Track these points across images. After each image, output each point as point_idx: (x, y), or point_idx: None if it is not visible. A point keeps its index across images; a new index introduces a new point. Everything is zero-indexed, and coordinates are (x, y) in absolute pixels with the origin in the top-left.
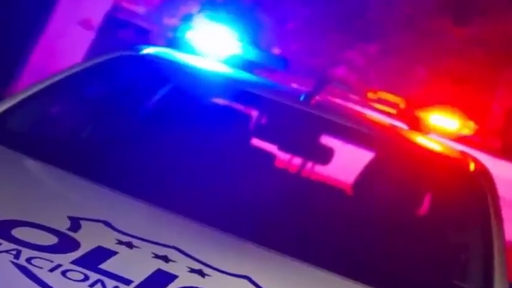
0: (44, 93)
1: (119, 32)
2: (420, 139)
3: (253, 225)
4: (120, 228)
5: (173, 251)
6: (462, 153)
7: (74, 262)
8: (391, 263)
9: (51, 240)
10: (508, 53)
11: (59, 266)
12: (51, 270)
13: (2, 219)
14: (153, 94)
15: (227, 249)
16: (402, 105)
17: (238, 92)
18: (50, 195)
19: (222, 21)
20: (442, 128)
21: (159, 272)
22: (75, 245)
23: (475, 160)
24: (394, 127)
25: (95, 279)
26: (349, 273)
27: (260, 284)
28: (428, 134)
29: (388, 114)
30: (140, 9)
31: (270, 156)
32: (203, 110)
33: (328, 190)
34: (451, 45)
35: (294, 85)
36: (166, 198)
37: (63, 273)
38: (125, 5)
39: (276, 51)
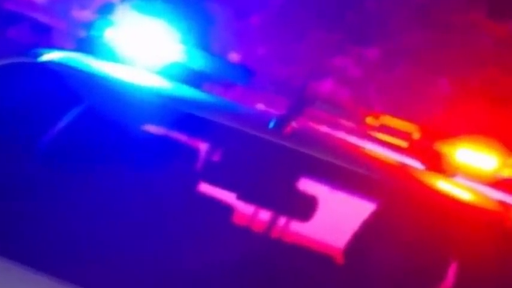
0: None
1: (7, 29)
2: (442, 184)
3: None
4: None
5: None
6: (502, 204)
7: None
8: None
9: None
10: None
11: None
12: None
13: None
14: (57, 119)
15: None
16: (416, 135)
17: (180, 115)
18: None
19: (156, 15)
20: (474, 167)
21: None
22: None
23: None
24: (404, 167)
25: None
26: None
27: None
28: (454, 176)
29: (396, 148)
30: None
31: (225, 209)
32: (129, 143)
33: (310, 257)
34: (484, 48)
35: (261, 106)
36: (76, 275)
37: None
38: None
39: (234, 57)
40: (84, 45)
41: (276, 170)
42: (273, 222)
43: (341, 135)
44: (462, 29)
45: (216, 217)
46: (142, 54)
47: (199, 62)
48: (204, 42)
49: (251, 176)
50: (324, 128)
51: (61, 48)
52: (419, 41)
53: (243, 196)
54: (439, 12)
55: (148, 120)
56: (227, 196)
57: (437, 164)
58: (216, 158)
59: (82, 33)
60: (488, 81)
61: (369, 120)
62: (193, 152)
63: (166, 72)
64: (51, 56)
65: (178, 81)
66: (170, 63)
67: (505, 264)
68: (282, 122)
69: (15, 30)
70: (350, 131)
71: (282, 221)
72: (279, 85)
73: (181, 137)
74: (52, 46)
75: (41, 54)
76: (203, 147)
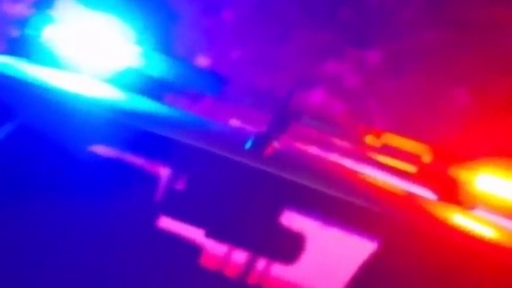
0: None
1: None
2: (458, 219)
3: None
4: None
5: None
6: None
7: None
8: None
9: None
10: None
11: None
12: None
13: None
14: None
15: None
16: (426, 157)
17: (136, 133)
18: None
19: (106, 10)
20: (498, 198)
21: None
22: None
23: None
24: (412, 197)
25: None
26: None
27: None
28: (473, 209)
29: (402, 173)
30: None
31: (192, 249)
32: (72, 167)
33: None
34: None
35: (235, 122)
36: None
37: None
38: None
39: (202, 61)
40: (17, 47)
41: (254, 200)
42: (250, 265)
43: (334, 157)
44: (482, 28)
45: (180, 259)
46: (89, 58)
47: (159, 67)
48: (165, 43)
49: (223, 208)
50: (313, 149)
51: None
52: (430, 43)
53: (214, 233)
54: (455, 7)
55: (97, 140)
56: (194, 233)
57: (453, 194)
58: (180, 186)
59: (14, 32)
60: None
61: (369, 139)
62: (152, 179)
63: (118, 80)
64: None
65: (133, 92)
66: (123, 70)
67: None
68: (261, 141)
69: None
70: (345, 153)
71: (261, 263)
72: (258, 96)
73: (137, 160)
74: None
75: None
76: (164, 172)
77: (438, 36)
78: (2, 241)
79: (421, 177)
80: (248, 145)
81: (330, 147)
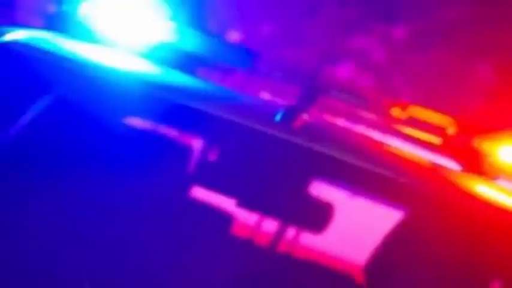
0: None
1: None
2: (482, 189)
3: None
4: None
5: None
6: None
7: None
8: None
9: None
10: None
11: None
12: None
13: None
14: (21, 111)
15: None
16: (451, 130)
17: (170, 106)
18: None
19: None
20: None
21: None
22: None
23: None
24: (437, 168)
25: None
26: None
27: None
28: (497, 179)
29: (428, 145)
30: None
31: (223, 218)
32: (108, 139)
33: (324, 276)
34: None
35: (265, 95)
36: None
37: None
38: None
39: (234, 36)
40: (54, 23)
41: (284, 171)
42: (280, 234)
43: (361, 129)
44: (508, 4)
45: (212, 228)
46: (124, 33)
47: (193, 42)
48: (198, 19)
49: (254, 178)
50: (341, 122)
51: (26, 26)
52: (458, 18)
53: (245, 203)
54: None
55: (132, 112)
56: (225, 203)
57: (477, 165)
58: (212, 157)
59: (51, 9)
60: None
61: (395, 112)
62: (186, 150)
63: (153, 55)
64: (14, 35)
65: (167, 66)
66: (158, 44)
67: None
68: (290, 114)
69: None
70: (372, 125)
71: (290, 232)
72: (288, 70)
73: (171, 132)
74: (15, 24)
75: (3, 34)
76: (197, 144)
77: (464, 12)
78: (43, 206)
79: (446, 148)
80: (278, 117)
81: (357, 120)
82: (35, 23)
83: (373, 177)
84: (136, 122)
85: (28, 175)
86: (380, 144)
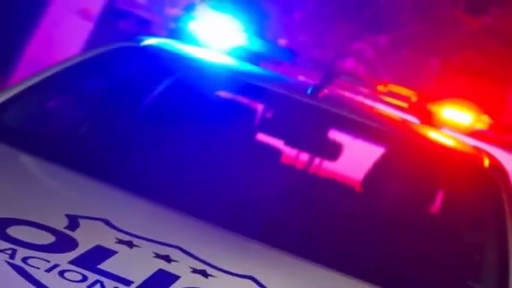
0: (40, 86)
1: (118, 22)
2: (432, 134)
3: (258, 224)
4: (120, 226)
5: (175, 250)
6: (476, 148)
7: (71, 262)
8: (400, 262)
9: (48, 239)
10: None
11: (56, 266)
12: (48, 270)
13: None
14: (154, 87)
15: (231, 248)
16: (414, 98)
17: (243, 85)
18: (47, 192)
19: (226, 11)
20: (455, 122)
21: (160, 272)
22: (73, 244)
23: (490, 156)
24: (405, 121)
25: (94, 280)
26: (357, 273)
27: (265, 284)
28: (441, 128)
29: (399, 108)
30: None
31: (276, 152)
32: (206, 104)
33: (336, 187)
34: (466, 36)
35: (301, 78)
36: (168, 195)
37: (61, 273)
38: None
39: (282, 42)
40: (174, 34)
41: (312, 124)
42: (310, 161)
43: (360, 99)
44: (449, 22)
45: (269, 158)
46: (216, 40)
47: (257, 46)
48: (261, 31)
49: (294, 128)
50: (347, 94)
51: (157, 36)
52: (417, 31)
53: (289, 143)
54: (432, 8)
55: (221, 88)
56: (277, 142)
57: (429, 119)
58: (269, 115)
59: (172, 25)
60: (467, 61)
61: (380, 88)
62: (253, 111)
63: (233, 53)
64: (150, 41)
65: (242, 60)
66: (236, 47)
67: (478, 192)
68: (317, 89)
69: (124, 23)
70: (366, 96)
71: (316, 161)
72: (315, 62)
73: (244, 100)
74: (150, 34)
75: (143, 41)
76: (260, 107)
77: (419, 27)
78: (172, 144)
79: (411, 110)
80: (309, 91)
81: (357, 93)
82: (162, 34)
83: (367, 127)
84: (224, 94)
85: (159, 123)
86: (371, 107)
